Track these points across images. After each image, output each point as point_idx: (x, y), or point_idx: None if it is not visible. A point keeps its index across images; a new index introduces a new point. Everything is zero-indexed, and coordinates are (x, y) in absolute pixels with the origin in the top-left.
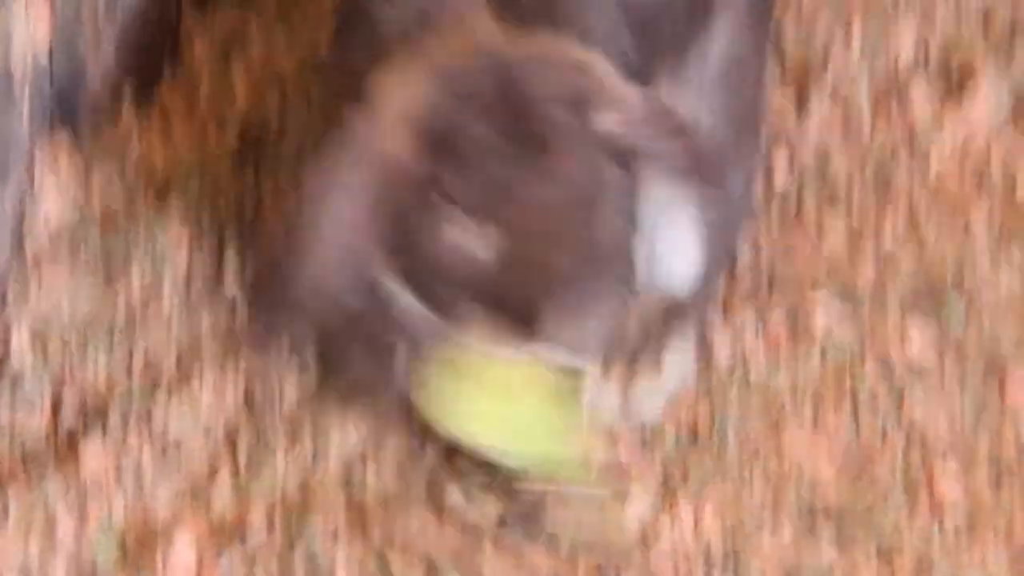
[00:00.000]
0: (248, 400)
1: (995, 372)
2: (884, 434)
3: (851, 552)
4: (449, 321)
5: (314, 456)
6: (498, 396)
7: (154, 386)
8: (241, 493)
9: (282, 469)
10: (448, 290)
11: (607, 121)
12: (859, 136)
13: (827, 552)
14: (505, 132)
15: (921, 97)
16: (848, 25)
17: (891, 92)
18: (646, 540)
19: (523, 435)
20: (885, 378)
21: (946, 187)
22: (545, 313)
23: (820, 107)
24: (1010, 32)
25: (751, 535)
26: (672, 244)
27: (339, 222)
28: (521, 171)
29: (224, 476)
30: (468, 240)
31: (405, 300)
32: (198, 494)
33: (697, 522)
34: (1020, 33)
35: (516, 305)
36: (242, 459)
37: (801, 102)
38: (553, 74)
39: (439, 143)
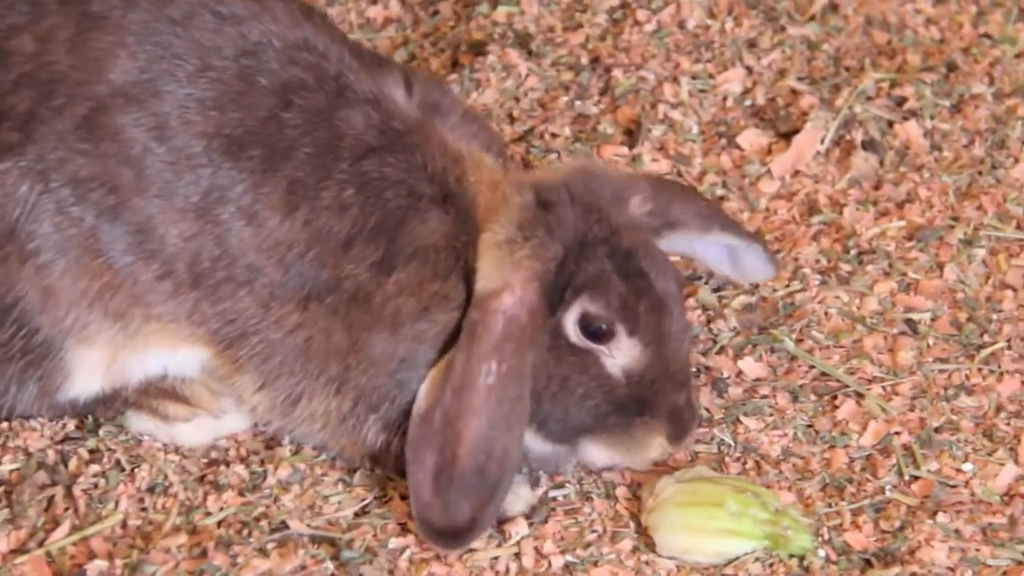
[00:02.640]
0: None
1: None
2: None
3: None
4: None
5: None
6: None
7: None
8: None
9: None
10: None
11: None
12: (689, 174)
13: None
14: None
15: (749, 135)
16: (677, 67)
17: (720, 131)
18: None
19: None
20: (721, 406)
21: (775, 222)
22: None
23: (651, 147)
24: (834, 71)
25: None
26: None
27: None
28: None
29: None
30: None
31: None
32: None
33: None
34: (843, 72)
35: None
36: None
37: (632, 142)
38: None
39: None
